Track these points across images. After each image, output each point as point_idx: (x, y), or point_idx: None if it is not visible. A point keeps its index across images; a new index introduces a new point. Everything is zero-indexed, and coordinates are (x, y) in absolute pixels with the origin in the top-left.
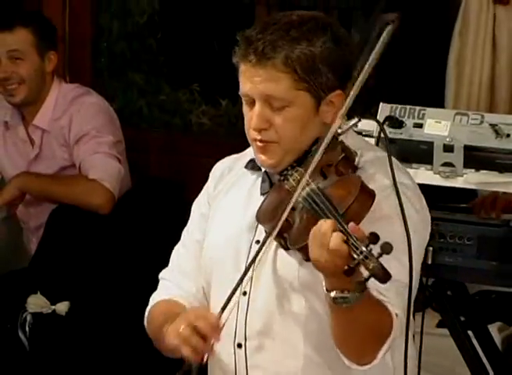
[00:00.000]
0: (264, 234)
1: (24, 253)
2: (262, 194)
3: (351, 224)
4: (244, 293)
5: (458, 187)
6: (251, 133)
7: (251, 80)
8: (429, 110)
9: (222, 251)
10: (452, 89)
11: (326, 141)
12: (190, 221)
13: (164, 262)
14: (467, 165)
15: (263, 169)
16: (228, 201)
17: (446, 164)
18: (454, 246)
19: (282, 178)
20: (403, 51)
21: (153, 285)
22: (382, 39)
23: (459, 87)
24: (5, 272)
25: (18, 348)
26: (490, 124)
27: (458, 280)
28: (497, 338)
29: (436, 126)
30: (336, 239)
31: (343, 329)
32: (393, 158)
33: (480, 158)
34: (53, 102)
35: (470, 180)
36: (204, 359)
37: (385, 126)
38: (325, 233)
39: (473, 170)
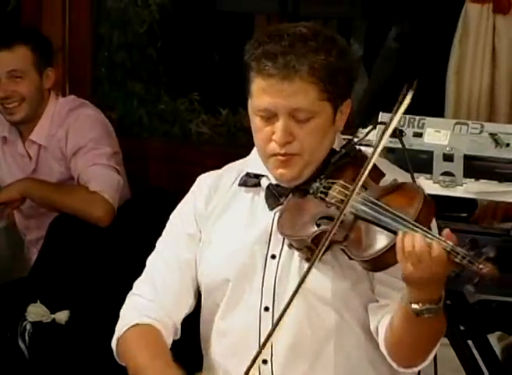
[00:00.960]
0: (279, 248)
1: (25, 263)
2: (271, 209)
3: (445, 232)
4: (266, 308)
5: (458, 196)
6: (271, 148)
7: (276, 95)
8: (429, 119)
9: (230, 272)
10: (452, 98)
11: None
12: (168, 234)
13: None
14: (466, 174)
15: (264, 185)
16: (225, 224)
17: (445, 173)
18: None
19: (311, 191)
20: (403, 61)
21: None
22: (403, 105)
23: (459, 97)
24: (5, 281)
25: (18, 356)
26: (490, 133)
27: (458, 289)
28: (497, 348)
29: (436, 135)
30: (437, 250)
31: (412, 338)
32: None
33: (480, 167)
34: (49, 118)
35: (470, 189)
36: None
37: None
38: (423, 248)
39: (473, 180)
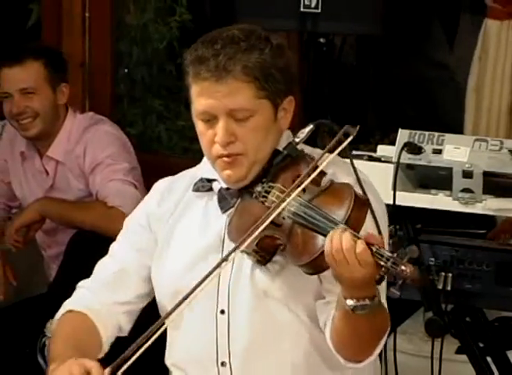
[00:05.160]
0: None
1: (44, 279)
2: (223, 212)
3: (365, 234)
4: (222, 311)
5: (477, 213)
6: (216, 150)
7: (212, 97)
8: (448, 136)
9: (187, 279)
10: (471, 115)
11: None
12: (120, 237)
13: None
14: (486, 191)
15: (216, 189)
16: (182, 229)
17: (465, 190)
18: (473, 272)
19: (254, 195)
20: (421, 78)
21: None
22: (340, 148)
23: (478, 113)
24: (24, 297)
25: (37, 372)
26: (509, 150)
27: (477, 306)
28: None
29: (455, 152)
30: (363, 253)
31: (351, 333)
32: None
33: (499, 184)
34: (67, 134)
35: (489, 206)
36: None
37: (404, 152)
38: (351, 250)
39: (492, 196)
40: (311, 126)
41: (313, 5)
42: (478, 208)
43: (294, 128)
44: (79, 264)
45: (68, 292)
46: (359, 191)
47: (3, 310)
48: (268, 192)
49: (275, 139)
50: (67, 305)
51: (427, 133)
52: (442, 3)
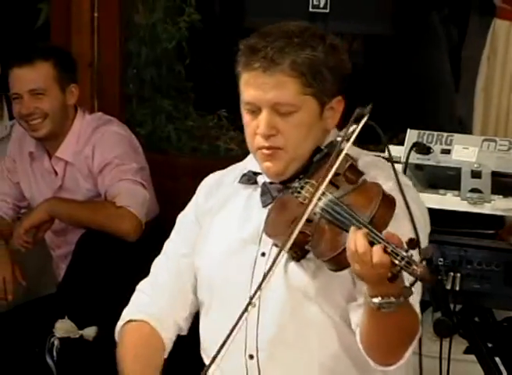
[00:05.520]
0: (269, 246)
1: (53, 279)
2: (264, 206)
3: (386, 232)
4: (254, 306)
5: (486, 213)
6: (257, 141)
7: (258, 88)
8: (457, 136)
9: (222, 267)
10: (480, 115)
11: (336, 150)
12: (173, 233)
13: None
14: (494, 191)
15: (260, 182)
16: (222, 218)
17: (473, 190)
18: (482, 272)
19: (291, 191)
20: (429, 79)
21: None
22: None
23: (487, 113)
24: (34, 297)
25: (45, 372)
26: None
27: (486, 306)
28: None
29: (464, 152)
30: (377, 252)
31: (379, 333)
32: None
33: (508, 184)
34: (76, 135)
35: (497, 206)
36: None
37: (412, 152)
38: (363, 248)
39: (501, 196)
40: (354, 126)
41: (322, 5)
42: (486, 209)
43: None
44: (87, 264)
45: (76, 292)
46: (390, 192)
47: (12, 310)
48: (302, 188)
49: (318, 137)
50: (127, 314)
51: (435, 133)
52: (452, 3)
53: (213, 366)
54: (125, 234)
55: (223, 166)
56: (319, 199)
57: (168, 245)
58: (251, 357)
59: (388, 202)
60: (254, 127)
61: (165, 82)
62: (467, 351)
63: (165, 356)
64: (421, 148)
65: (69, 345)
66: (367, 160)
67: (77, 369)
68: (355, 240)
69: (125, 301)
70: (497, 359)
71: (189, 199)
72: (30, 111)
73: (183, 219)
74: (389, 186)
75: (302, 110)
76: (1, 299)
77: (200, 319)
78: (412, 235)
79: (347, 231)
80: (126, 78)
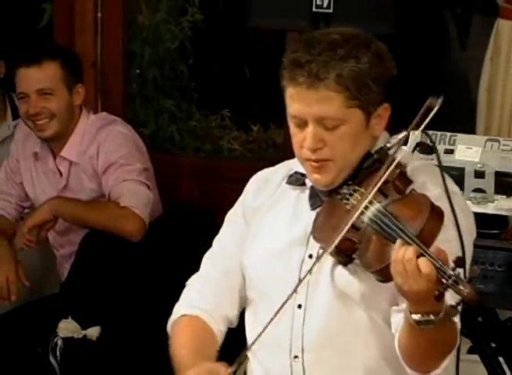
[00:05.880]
0: (317, 248)
1: (56, 279)
2: (313, 209)
3: (435, 247)
4: (299, 306)
5: (489, 213)
6: (304, 154)
7: (304, 102)
8: (460, 136)
9: (270, 267)
10: (483, 115)
11: (389, 160)
12: (222, 231)
13: None
14: (498, 191)
15: (308, 185)
16: (271, 219)
17: (476, 190)
18: (485, 272)
19: (339, 197)
20: (433, 78)
21: None
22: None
23: (490, 113)
24: (37, 297)
25: (49, 372)
26: None
27: (489, 306)
28: None
29: (467, 152)
30: (426, 266)
31: (416, 345)
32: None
33: (511, 184)
34: (81, 134)
35: (501, 206)
36: None
37: (416, 152)
38: (411, 263)
39: (504, 196)
40: (404, 133)
41: (325, 4)
42: (489, 208)
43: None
44: (91, 264)
45: (80, 292)
46: (438, 203)
47: (16, 310)
48: (351, 195)
49: (366, 144)
50: (179, 309)
51: (439, 133)
52: (455, 2)
53: (255, 361)
54: (129, 235)
55: (226, 166)
56: (366, 208)
57: (216, 243)
58: (296, 358)
59: (436, 215)
60: (301, 140)
61: (168, 82)
62: (470, 351)
63: (217, 348)
64: (425, 148)
65: (73, 345)
66: (416, 165)
67: (81, 369)
68: (402, 254)
69: (128, 302)
70: (501, 359)
71: (191, 198)
72: (37, 111)
73: (231, 217)
74: (437, 193)
75: (348, 122)
76: (5, 299)
77: (246, 316)
78: (457, 244)
79: (394, 243)
80: (129, 78)
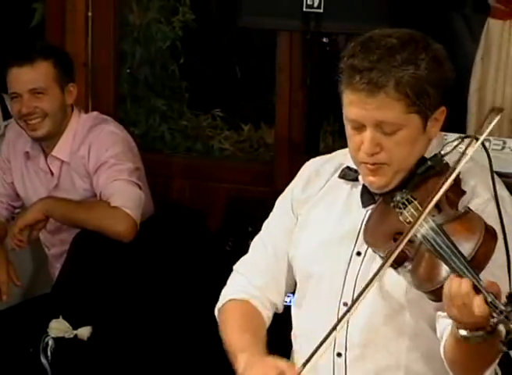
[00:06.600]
0: (366, 246)
1: (47, 279)
2: (364, 206)
3: (487, 281)
4: (345, 304)
5: None
6: (361, 157)
7: (362, 108)
8: (451, 136)
9: (318, 262)
10: (474, 115)
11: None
12: (271, 216)
13: (185, 288)
14: None
15: (361, 181)
16: (320, 212)
17: None
18: None
19: (392, 205)
20: None
21: (174, 310)
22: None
23: (481, 113)
24: (28, 297)
25: (40, 372)
26: None
27: None
28: None
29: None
30: (479, 304)
31: (462, 356)
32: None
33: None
34: (72, 134)
35: None
36: None
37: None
38: (468, 296)
39: None
40: (459, 140)
41: (315, 4)
42: None
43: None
44: (82, 263)
45: (71, 292)
46: (488, 209)
47: (7, 310)
48: (405, 205)
49: (422, 148)
50: (227, 294)
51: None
52: (447, 2)
53: (300, 356)
54: (119, 235)
55: (217, 165)
56: (421, 226)
57: (265, 228)
58: (339, 355)
59: (490, 238)
60: (358, 142)
61: (159, 81)
62: None
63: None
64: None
65: (64, 345)
66: (467, 166)
67: (72, 369)
68: (459, 287)
69: (119, 301)
70: None
71: (182, 198)
72: (30, 110)
73: (280, 204)
74: (486, 198)
75: (406, 127)
76: None
77: (292, 305)
78: (503, 254)
79: (447, 265)
80: (120, 77)
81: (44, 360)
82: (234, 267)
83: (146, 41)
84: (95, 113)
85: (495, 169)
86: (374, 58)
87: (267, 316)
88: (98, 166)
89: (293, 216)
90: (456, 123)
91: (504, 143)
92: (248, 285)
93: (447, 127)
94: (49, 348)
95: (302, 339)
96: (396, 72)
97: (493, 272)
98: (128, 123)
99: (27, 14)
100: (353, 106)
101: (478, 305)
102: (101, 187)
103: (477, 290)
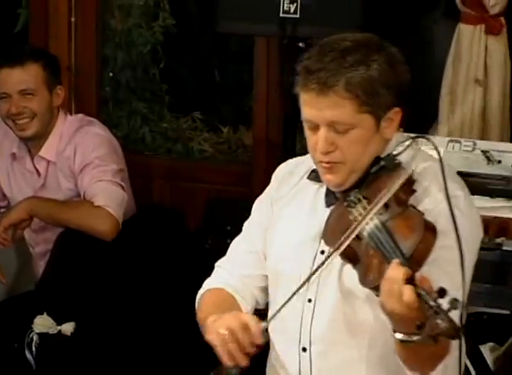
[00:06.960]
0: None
1: (32, 276)
2: (327, 206)
3: (419, 275)
4: (309, 300)
5: None
6: (317, 156)
7: (315, 107)
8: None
9: (286, 262)
10: (445, 118)
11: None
12: (250, 217)
13: (166, 285)
14: None
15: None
16: (290, 212)
17: None
18: None
19: (346, 204)
20: None
21: (155, 306)
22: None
23: (452, 115)
24: (13, 294)
25: (25, 367)
26: (482, 151)
27: None
28: (489, 358)
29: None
30: (409, 292)
31: (406, 355)
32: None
33: (472, 183)
34: (58, 135)
35: None
36: (240, 365)
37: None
38: (397, 283)
39: None
40: (410, 140)
41: (292, 10)
42: None
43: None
44: (66, 262)
45: (55, 289)
46: (439, 204)
47: None
48: (355, 203)
49: (376, 148)
50: (207, 284)
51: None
52: (419, 7)
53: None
54: (102, 234)
55: (197, 166)
56: (367, 223)
57: (246, 226)
58: (304, 350)
59: (430, 235)
60: (314, 142)
61: (140, 85)
62: None
63: None
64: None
65: (48, 340)
66: (424, 166)
67: (56, 364)
68: (392, 273)
69: (102, 298)
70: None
71: (163, 198)
72: (19, 110)
73: (258, 205)
74: (438, 198)
75: (358, 127)
76: None
77: (268, 303)
78: (456, 251)
79: (387, 261)
80: (102, 81)
81: (28, 355)
82: (216, 264)
83: (127, 45)
84: (80, 115)
85: (465, 169)
86: (326, 60)
87: (245, 309)
88: (83, 166)
89: (271, 212)
90: (426, 126)
91: (474, 144)
92: (229, 277)
93: (419, 130)
94: (34, 343)
95: (273, 334)
96: (346, 72)
97: (445, 268)
98: (110, 125)
99: (11, 19)
100: (307, 106)
101: (408, 294)
102: (85, 187)
103: (412, 283)
